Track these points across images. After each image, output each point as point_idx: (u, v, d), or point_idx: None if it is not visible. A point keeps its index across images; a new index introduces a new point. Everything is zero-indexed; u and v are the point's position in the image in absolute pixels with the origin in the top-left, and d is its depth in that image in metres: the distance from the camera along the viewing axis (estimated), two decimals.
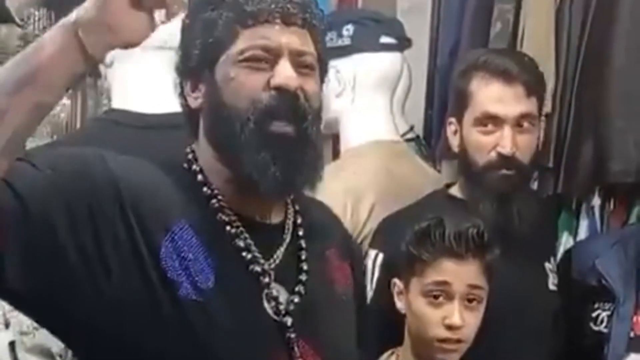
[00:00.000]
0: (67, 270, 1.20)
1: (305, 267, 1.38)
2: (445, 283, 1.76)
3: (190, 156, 1.37)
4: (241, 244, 1.32)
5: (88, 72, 1.20)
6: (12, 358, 1.56)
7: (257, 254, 1.33)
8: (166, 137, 1.87)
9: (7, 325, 1.57)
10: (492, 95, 1.97)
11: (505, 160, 1.97)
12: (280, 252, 1.36)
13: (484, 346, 1.84)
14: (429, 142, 2.73)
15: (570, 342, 2.12)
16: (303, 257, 1.39)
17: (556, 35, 2.40)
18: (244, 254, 1.32)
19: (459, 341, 1.79)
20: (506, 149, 1.96)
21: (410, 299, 1.82)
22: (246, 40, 1.31)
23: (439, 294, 1.77)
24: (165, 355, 1.25)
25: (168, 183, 1.32)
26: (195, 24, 1.36)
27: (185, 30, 1.39)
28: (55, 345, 1.66)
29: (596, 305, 2.08)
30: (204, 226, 1.30)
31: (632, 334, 2.03)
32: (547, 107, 2.37)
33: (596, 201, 2.45)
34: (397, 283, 1.87)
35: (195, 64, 1.36)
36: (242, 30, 1.31)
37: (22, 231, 1.17)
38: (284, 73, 1.30)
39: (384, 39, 2.27)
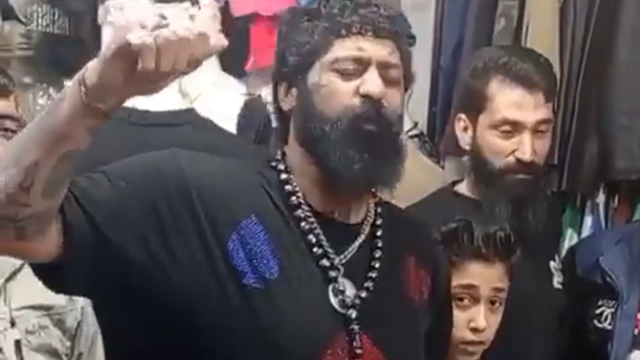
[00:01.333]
0: (136, 274, 1.31)
1: (377, 265, 1.46)
2: (472, 286, 1.76)
3: (278, 156, 1.48)
4: (313, 239, 1.42)
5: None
6: (18, 357, 1.56)
7: (328, 249, 1.42)
8: (169, 135, 1.88)
9: (12, 324, 1.57)
10: (512, 101, 1.97)
11: (524, 166, 1.98)
12: (353, 249, 1.45)
13: (494, 346, 1.84)
14: (433, 138, 2.72)
15: (574, 339, 2.13)
16: (377, 255, 1.47)
17: (560, 32, 2.41)
18: (314, 249, 1.42)
19: (480, 343, 1.79)
20: (526, 155, 1.97)
21: None
22: (339, 50, 1.41)
23: (465, 296, 1.77)
24: (231, 339, 1.34)
25: (247, 179, 1.43)
26: (292, 32, 1.46)
27: (281, 37, 1.49)
28: (61, 344, 1.67)
29: (600, 303, 2.09)
30: (277, 221, 1.41)
31: (636, 331, 2.04)
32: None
33: (601, 198, 2.45)
34: None
35: (289, 69, 1.46)
36: (336, 40, 1.41)
37: (89, 244, 1.27)
38: (372, 82, 1.40)
39: None
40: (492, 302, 1.78)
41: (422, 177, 2.25)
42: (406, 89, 1.50)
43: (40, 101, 2.96)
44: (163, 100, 1.97)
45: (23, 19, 2.69)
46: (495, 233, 1.77)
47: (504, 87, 1.98)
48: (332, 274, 1.42)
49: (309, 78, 1.43)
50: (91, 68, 1.17)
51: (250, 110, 2.69)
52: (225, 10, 2.89)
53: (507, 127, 1.97)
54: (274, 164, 1.48)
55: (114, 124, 1.92)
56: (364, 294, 1.43)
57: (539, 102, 1.98)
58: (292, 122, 1.48)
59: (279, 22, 1.50)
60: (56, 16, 2.95)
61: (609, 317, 2.07)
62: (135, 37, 1.13)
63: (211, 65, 2.74)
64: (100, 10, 1.91)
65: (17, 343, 1.57)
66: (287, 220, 1.42)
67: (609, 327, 2.06)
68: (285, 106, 1.48)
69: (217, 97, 2.68)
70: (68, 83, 3.10)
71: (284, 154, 1.49)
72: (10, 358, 1.54)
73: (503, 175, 1.99)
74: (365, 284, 1.45)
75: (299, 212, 1.43)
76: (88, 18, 3.12)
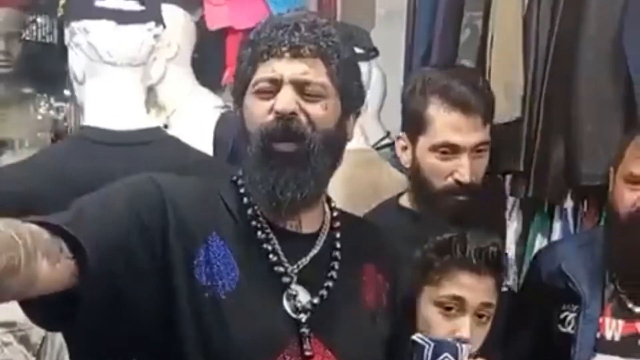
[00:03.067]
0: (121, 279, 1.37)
1: (334, 275, 1.53)
2: (460, 298, 1.77)
3: (240, 172, 1.55)
4: (269, 247, 1.50)
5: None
6: None
7: (282, 258, 1.50)
8: (136, 154, 1.92)
9: None
10: (452, 125, 1.99)
11: (463, 187, 2.00)
12: (307, 258, 1.52)
13: None
14: None
15: (538, 343, 2.15)
16: (332, 264, 1.54)
17: (524, 40, 2.43)
18: (270, 256, 1.50)
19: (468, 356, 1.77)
20: (465, 177, 1.99)
21: (421, 308, 1.81)
22: (259, 73, 1.50)
23: (453, 306, 1.77)
24: (189, 348, 1.42)
25: (209, 197, 1.52)
26: (238, 60, 1.55)
27: (236, 65, 1.57)
28: (23, 359, 1.69)
29: (563, 307, 2.11)
30: (235, 233, 1.49)
31: (598, 335, 2.06)
32: (517, 112, 2.41)
33: (569, 203, 2.48)
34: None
35: (235, 96, 1.56)
36: (258, 64, 1.50)
37: (95, 270, 1.32)
38: (282, 99, 1.47)
39: None
40: (480, 316, 1.79)
41: (390, 187, 2.28)
42: (345, 104, 1.53)
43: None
44: (129, 119, 2.00)
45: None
46: (488, 247, 1.79)
47: (442, 111, 2.00)
48: (286, 279, 1.49)
49: (245, 102, 1.52)
50: None
51: (226, 124, 2.73)
52: (200, 24, 2.95)
53: (446, 150, 1.99)
54: (234, 178, 1.56)
55: (81, 144, 1.97)
56: (316, 300, 1.50)
57: (477, 125, 2.00)
58: None
59: None
60: (55, 25, 2.99)
61: (572, 321, 2.09)
62: None
63: (187, 79, 2.80)
64: (66, 33, 1.95)
65: None
66: (245, 232, 1.50)
67: (572, 332, 2.08)
68: (239, 127, 1.55)
69: (193, 111, 2.73)
70: (68, 93, 3.09)
71: (243, 169, 1.55)
72: None
73: (442, 196, 2.01)
74: (320, 292, 1.51)
75: (254, 224, 1.51)
76: None
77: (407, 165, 2.08)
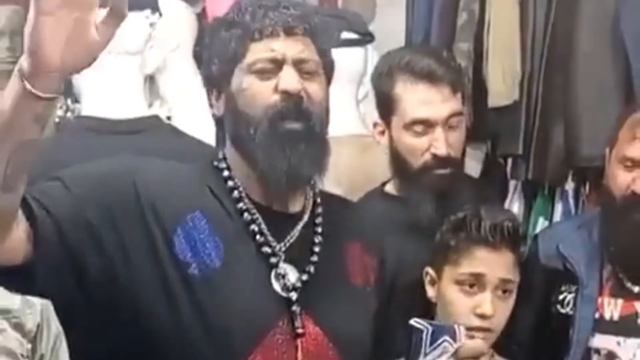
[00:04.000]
0: (92, 271, 1.40)
1: (317, 249, 1.55)
2: (479, 274, 1.80)
3: (220, 156, 1.57)
4: (255, 228, 1.51)
5: (56, 105, 1.24)
6: None
7: (269, 237, 1.51)
8: (131, 142, 1.94)
9: None
10: (419, 99, 1.99)
11: (441, 161, 2.00)
12: (293, 237, 1.54)
13: None
14: None
15: (537, 325, 2.15)
16: (316, 240, 1.56)
17: (521, 22, 2.43)
18: (257, 237, 1.51)
19: (488, 330, 1.82)
20: (440, 149, 1.99)
21: (442, 287, 1.86)
22: (255, 53, 1.49)
23: (473, 283, 1.80)
24: (178, 329, 1.43)
25: (191, 180, 1.53)
26: (213, 43, 1.55)
27: (204, 49, 1.58)
28: (20, 346, 1.71)
29: (562, 288, 2.11)
30: (220, 215, 1.50)
31: (597, 315, 2.06)
32: (515, 95, 2.41)
33: (570, 185, 2.48)
34: (430, 272, 1.90)
35: (215, 78, 1.55)
36: (251, 44, 1.50)
37: (53, 240, 1.35)
38: (288, 78, 1.48)
39: (346, 35, 2.31)
40: (503, 291, 1.82)
41: (387, 172, 2.29)
42: (328, 81, 1.57)
43: None
44: (124, 108, 2.02)
45: None
46: (503, 222, 1.82)
47: (409, 86, 2.00)
48: (273, 259, 1.51)
49: (233, 84, 1.51)
50: (24, 55, 1.16)
51: None
52: (201, 16, 2.96)
53: (418, 126, 1.99)
54: (216, 163, 1.56)
55: (77, 133, 2.00)
56: (305, 277, 1.51)
57: (446, 95, 1.99)
58: (225, 126, 1.56)
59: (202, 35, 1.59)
60: None
61: (571, 302, 2.09)
62: None
63: (189, 71, 2.81)
64: None
65: None
66: (230, 214, 1.51)
67: (571, 313, 2.08)
68: (217, 112, 1.57)
69: (195, 103, 2.74)
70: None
71: (224, 155, 1.57)
72: None
73: (422, 173, 2.01)
74: (306, 268, 1.52)
75: (241, 205, 1.52)
76: None
77: (386, 151, 2.08)
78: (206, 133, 2.47)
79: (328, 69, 1.57)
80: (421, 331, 1.66)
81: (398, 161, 2.06)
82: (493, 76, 2.39)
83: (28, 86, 1.15)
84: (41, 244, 1.34)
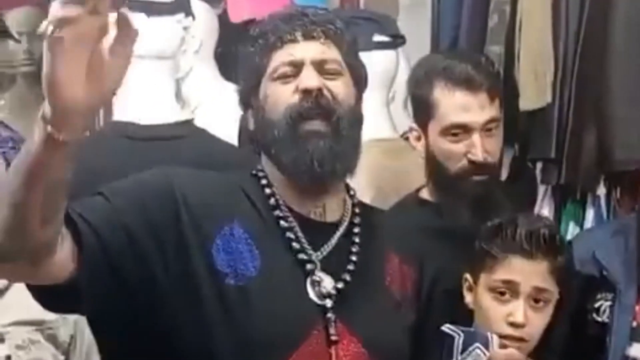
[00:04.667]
0: (132, 275, 1.39)
1: (354, 258, 1.54)
2: (513, 282, 1.77)
3: (259, 166, 1.58)
4: (292, 236, 1.51)
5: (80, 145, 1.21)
6: None
7: (305, 245, 1.51)
8: (167, 148, 1.90)
9: (2, 339, 1.58)
10: (457, 104, 1.96)
11: (478, 167, 1.97)
12: (330, 245, 1.53)
13: None
14: None
15: (572, 333, 2.11)
16: (354, 250, 1.55)
17: (554, 24, 2.39)
18: (293, 244, 1.50)
19: (521, 339, 1.78)
20: (477, 155, 1.95)
21: (478, 294, 1.83)
22: (276, 60, 1.52)
23: (506, 290, 1.78)
24: (214, 339, 1.42)
25: (228, 189, 1.53)
26: (241, 61, 1.59)
27: (239, 64, 1.60)
28: (53, 358, 1.68)
29: (598, 296, 2.06)
30: (257, 222, 1.50)
31: (634, 324, 2.02)
32: (548, 97, 2.37)
33: (602, 190, 2.44)
34: (468, 278, 1.88)
35: (246, 95, 1.58)
36: (273, 53, 1.52)
37: (96, 254, 1.35)
38: (307, 77, 1.50)
39: (377, 37, 2.27)
40: (536, 301, 1.79)
41: (419, 177, 2.25)
42: (357, 84, 1.57)
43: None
44: (159, 113, 1.98)
45: (18, 38, 2.72)
46: (539, 230, 1.79)
47: (447, 92, 1.97)
48: (309, 267, 1.50)
49: (260, 95, 1.54)
50: (46, 103, 1.16)
51: None
52: (223, 18, 2.92)
53: (456, 131, 1.96)
54: (254, 172, 1.57)
55: (111, 140, 1.96)
56: (340, 285, 1.50)
57: (484, 102, 1.97)
58: (257, 139, 1.57)
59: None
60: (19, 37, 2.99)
61: (607, 310, 2.05)
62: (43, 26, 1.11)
63: (210, 73, 2.78)
64: None
65: (8, 359, 1.58)
66: (267, 222, 1.52)
67: (607, 321, 2.04)
68: (250, 126, 1.58)
69: (217, 105, 2.71)
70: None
71: (262, 167, 1.58)
72: None
73: (459, 179, 1.98)
74: (343, 276, 1.51)
75: (277, 212, 1.52)
76: None
77: (423, 156, 2.05)
78: (227, 135, 2.45)
79: (356, 72, 1.57)
80: (452, 337, 1.63)
81: (434, 167, 2.03)
82: (525, 79, 2.36)
83: (55, 134, 1.15)
84: (85, 259, 1.34)
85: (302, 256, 1.50)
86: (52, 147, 1.16)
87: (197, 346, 1.43)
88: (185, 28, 1.98)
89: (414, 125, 2.06)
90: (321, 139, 1.48)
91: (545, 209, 2.50)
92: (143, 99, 1.94)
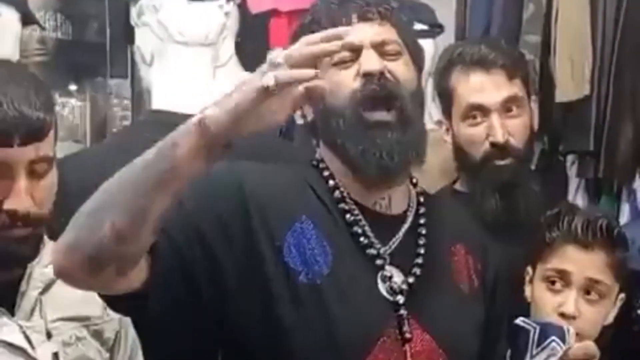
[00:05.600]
0: (203, 276, 1.36)
1: (421, 251, 1.48)
2: (565, 271, 1.73)
3: (318, 156, 1.52)
4: (359, 230, 1.45)
5: None
6: None
7: (373, 240, 1.45)
8: None
9: (49, 336, 1.52)
10: (472, 86, 1.92)
11: (500, 150, 1.91)
12: (397, 238, 1.47)
13: None
14: None
15: (618, 330, 2.07)
16: (421, 242, 1.49)
17: (592, 16, 2.35)
18: (361, 239, 1.44)
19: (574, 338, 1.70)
20: (497, 136, 1.90)
21: (534, 285, 1.80)
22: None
23: (557, 280, 1.74)
24: (288, 337, 1.37)
25: (295, 183, 1.47)
26: None
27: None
28: (99, 355, 1.62)
29: None
30: (325, 217, 1.44)
31: None
32: (586, 89, 2.33)
33: (637, 184, 2.40)
34: (529, 271, 1.84)
35: None
36: None
37: (169, 260, 1.32)
38: (368, 59, 1.43)
39: (417, 26, 2.22)
40: (588, 293, 1.74)
41: (451, 170, 2.21)
42: (416, 64, 1.51)
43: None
44: (202, 102, 1.92)
45: (43, 25, 2.66)
46: (597, 220, 1.75)
47: (462, 75, 1.93)
48: (379, 262, 1.45)
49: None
50: (215, 113, 1.22)
51: None
52: (242, 8, 2.86)
53: (474, 113, 1.92)
54: (315, 163, 1.51)
55: (152, 129, 1.88)
56: (411, 280, 1.45)
57: (500, 80, 1.91)
58: (317, 129, 1.52)
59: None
60: (59, 22, 2.94)
61: None
62: (269, 79, 1.18)
63: (232, 65, 2.71)
64: (133, 12, 1.86)
65: (55, 355, 1.53)
66: (333, 215, 1.46)
67: None
68: (310, 117, 1.51)
69: None
70: (73, 87, 3.03)
71: (321, 157, 1.52)
72: None
73: (484, 165, 1.93)
74: (412, 270, 1.46)
75: (343, 206, 1.46)
76: (94, 23, 3.11)
77: (450, 147, 2.00)
78: None
79: (414, 51, 1.51)
80: (528, 331, 1.57)
81: (460, 155, 1.99)
82: (561, 70, 2.32)
83: (215, 140, 1.22)
84: (160, 269, 1.31)
85: (371, 251, 1.45)
86: (205, 153, 1.22)
87: (270, 347, 1.38)
88: (226, 14, 1.92)
89: (442, 118, 2.02)
90: (388, 130, 1.42)
91: (578, 202, 2.45)
92: (183, 88, 1.86)
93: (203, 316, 1.38)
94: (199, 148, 1.22)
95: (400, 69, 1.46)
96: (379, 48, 1.45)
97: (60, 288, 1.47)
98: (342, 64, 1.44)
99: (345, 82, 1.44)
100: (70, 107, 3.28)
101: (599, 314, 1.76)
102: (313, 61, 1.22)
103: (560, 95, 2.33)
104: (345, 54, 1.43)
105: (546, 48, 2.34)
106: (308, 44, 1.23)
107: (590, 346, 1.65)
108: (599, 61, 2.35)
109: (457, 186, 2.07)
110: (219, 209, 1.38)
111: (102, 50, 3.12)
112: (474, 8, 2.54)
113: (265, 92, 1.18)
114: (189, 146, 1.22)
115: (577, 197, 2.49)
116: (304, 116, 1.53)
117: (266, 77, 1.18)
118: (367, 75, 1.43)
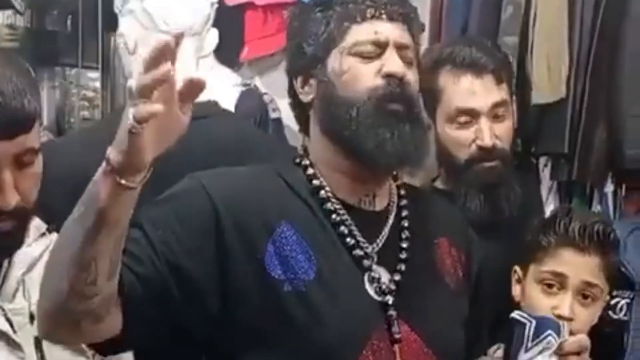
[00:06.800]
0: (185, 310, 1.35)
1: (405, 245, 1.47)
2: (561, 275, 1.76)
3: (301, 152, 1.50)
4: (345, 230, 1.43)
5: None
6: (38, 354, 1.48)
7: (360, 239, 1.44)
8: (193, 128, 1.80)
9: (32, 318, 1.48)
10: (462, 89, 1.93)
11: (487, 152, 1.93)
12: (383, 235, 1.46)
13: None
14: None
15: (589, 330, 2.09)
16: (404, 236, 1.48)
17: (569, 18, 2.36)
18: (347, 239, 1.43)
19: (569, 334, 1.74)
20: (485, 141, 1.92)
21: (526, 285, 1.82)
22: (357, 35, 1.44)
23: (553, 283, 1.76)
24: (277, 347, 1.37)
25: (270, 186, 1.44)
26: (306, 24, 1.48)
27: (294, 31, 1.51)
28: None
29: (615, 293, 2.04)
30: (307, 219, 1.42)
31: None
32: (562, 92, 2.34)
33: (609, 187, 2.43)
34: (518, 270, 1.85)
35: (307, 61, 1.47)
36: (352, 25, 1.44)
37: (142, 300, 1.31)
38: (394, 62, 1.43)
39: None
40: (585, 297, 1.77)
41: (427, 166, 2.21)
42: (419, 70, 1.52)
43: None
44: None
45: (19, 8, 2.61)
46: (593, 224, 1.78)
47: (452, 77, 1.94)
48: (367, 262, 1.44)
49: (328, 66, 1.45)
50: (114, 157, 1.18)
51: (250, 100, 2.64)
52: (219, 1, 2.83)
53: (463, 117, 1.93)
54: (297, 160, 1.49)
55: None
56: (397, 277, 1.45)
57: (490, 85, 1.93)
58: (314, 113, 1.48)
59: (287, 20, 1.54)
60: (20, 8, 2.89)
61: (624, 307, 2.05)
62: (130, 124, 1.14)
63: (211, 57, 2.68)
64: (117, 0, 1.84)
65: (37, 339, 1.49)
66: (317, 215, 1.44)
67: (625, 318, 2.04)
68: (305, 98, 1.49)
69: (212, 88, 2.61)
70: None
71: (305, 149, 1.50)
72: (30, 355, 1.46)
73: (469, 166, 1.95)
74: (397, 266, 1.45)
75: (328, 206, 1.45)
76: (54, 11, 3.06)
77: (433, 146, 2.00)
78: None
79: (419, 58, 1.53)
80: (524, 325, 1.58)
81: (444, 155, 2.00)
82: (538, 72, 2.33)
83: (124, 182, 1.17)
84: (131, 307, 1.31)
85: (357, 252, 1.44)
86: (123, 194, 1.18)
87: (260, 356, 1.38)
88: (212, 4, 1.90)
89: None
90: (404, 122, 1.43)
91: (550, 205, 2.47)
92: None
93: (185, 334, 1.37)
94: (116, 190, 1.18)
95: (413, 77, 1.47)
96: (400, 51, 1.45)
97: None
98: (364, 57, 1.43)
99: (366, 77, 1.43)
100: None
101: (590, 316, 1.80)
102: (161, 82, 1.15)
103: (537, 97, 2.34)
104: (370, 48, 1.43)
105: (524, 50, 2.35)
106: (144, 68, 1.15)
107: (584, 339, 1.66)
108: (575, 64, 2.36)
109: (438, 184, 2.08)
110: (187, 233, 1.36)
111: (62, 39, 3.08)
112: (451, 8, 2.53)
113: (136, 133, 1.14)
114: (107, 192, 1.18)
115: (549, 199, 2.50)
116: (297, 103, 1.51)
117: (128, 122, 1.14)
118: (389, 77, 1.42)
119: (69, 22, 3.08)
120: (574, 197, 2.47)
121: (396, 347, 1.40)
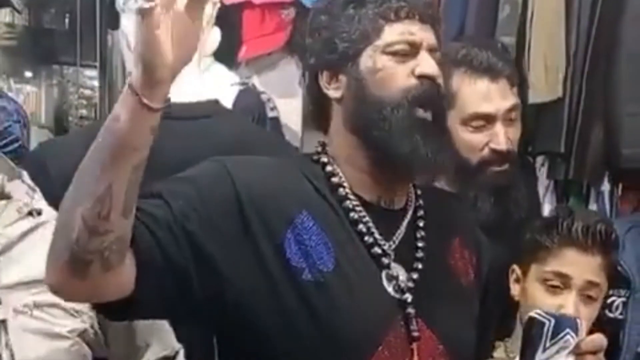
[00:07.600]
0: (196, 281, 1.33)
1: (421, 244, 1.48)
2: (565, 275, 1.77)
3: (319, 149, 1.49)
4: (363, 228, 1.43)
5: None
6: (4, 337, 1.48)
7: (378, 237, 1.44)
8: (195, 127, 1.82)
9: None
10: (479, 93, 1.92)
11: (501, 156, 1.93)
12: (400, 233, 1.47)
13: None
14: None
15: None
16: (419, 235, 1.49)
17: (566, 18, 2.37)
18: (365, 237, 1.43)
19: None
20: (501, 145, 1.92)
21: (527, 286, 1.83)
22: (392, 34, 1.43)
23: (557, 283, 1.77)
24: (293, 336, 1.36)
25: (292, 176, 1.44)
26: (338, 20, 1.46)
27: (324, 26, 1.47)
28: (70, 321, 1.57)
29: (611, 292, 2.05)
30: (327, 214, 1.42)
31: None
32: (559, 91, 2.35)
33: (606, 186, 2.44)
34: (516, 270, 1.86)
35: (338, 57, 1.45)
36: (386, 24, 1.43)
37: (157, 263, 1.30)
38: (428, 63, 1.43)
39: None
40: (587, 296, 1.78)
41: None
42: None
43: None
44: (188, 90, 1.90)
45: (17, 7, 2.61)
46: (596, 224, 1.79)
47: (468, 80, 1.93)
48: (385, 260, 1.44)
49: (361, 64, 1.44)
50: (132, 74, 1.18)
51: (244, 101, 2.65)
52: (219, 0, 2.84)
53: (478, 122, 1.93)
54: (316, 157, 1.49)
55: None
56: (415, 276, 1.45)
57: (506, 89, 1.94)
58: (340, 110, 1.47)
59: (313, 13, 1.52)
60: (18, 7, 2.90)
61: (620, 306, 2.06)
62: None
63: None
64: None
65: (2, 323, 1.48)
66: (337, 212, 1.44)
67: (621, 317, 2.05)
68: (334, 94, 1.47)
69: (209, 88, 2.63)
70: (28, 74, 2.99)
71: (324, 145, 1.50)
72: None
73: (481, 169, 1.95)
74: (414, 265, 1.46)
75: (347, 203, 1.45)
76: (52, 9, 3.07)
77: None
78: None
79: (443, 63, 1.51)
80: (543, 324, 1.56)
81: (453, 157, 1.95)
82: (535, 72, 2.33)
83: (145, 101, 1.17)
84: (145, 268, 1.29)
85: (376, 250, 1.44)
86: (144, 116, 1.18)
87: (280, 343, 1.37)
88: (214, 3, 1.90)
89: None
90: (431, 130, 1.43)
91: (546, 205, 2.48)
92: None
93: (197, 311, 1.37)
94: (136, 111, 1.18)
95: (441, 80, 1.47)
96: (431, 53, 1.44)
97: (26, 250, 1.45)
98: (398, 55, 1.43)
99: (400, 77, 1.42)
100: (26, 94, 3.24)
101: (592, 314, 1.81)
102: None
103: (534, 97, 2.34)
104: (405, 48, 1.43)
105: (521, 49, 2.35)
106: None
107: (600, 338, 1.66)
108: (572, 63, 2.37)
109: (439, 184, 2.07)
110: (208, 208, 1.35)
111: (60, 37, 3.09)
112: (448, 7, 2.54)
113: (149, 13, 1.13)
114: (127, 113, 1.18)
115: (545, 198, 2.51)
116: (320, 97, 1.49)
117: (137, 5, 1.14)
118: (423, 78, 1.42)
119: (67, 20, 3.09)
120: (571, 196, 2.48)
121: (414, 345, 1.41)
